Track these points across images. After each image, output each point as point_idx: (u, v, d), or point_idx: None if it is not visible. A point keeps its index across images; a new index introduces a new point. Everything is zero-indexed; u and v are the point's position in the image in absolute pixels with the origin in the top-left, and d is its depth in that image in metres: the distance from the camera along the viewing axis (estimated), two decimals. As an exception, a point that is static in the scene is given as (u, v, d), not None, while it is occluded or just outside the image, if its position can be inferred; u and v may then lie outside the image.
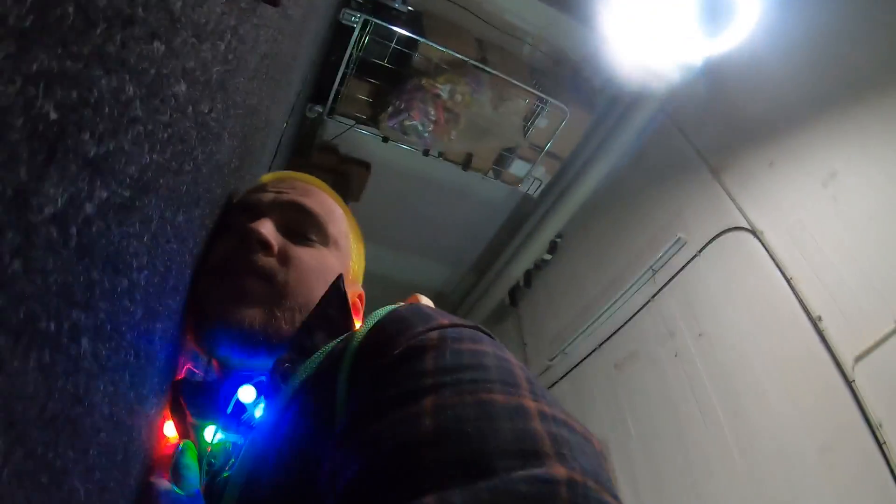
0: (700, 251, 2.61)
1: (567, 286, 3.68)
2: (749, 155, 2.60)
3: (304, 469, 0.52)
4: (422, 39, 2.97)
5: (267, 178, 0.93)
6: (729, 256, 2.49)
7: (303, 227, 0.81)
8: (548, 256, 3.87)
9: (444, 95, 3.33)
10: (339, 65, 3.04)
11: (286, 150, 2.97)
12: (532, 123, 3.25)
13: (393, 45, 3.01)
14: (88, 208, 0.33)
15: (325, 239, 0.82)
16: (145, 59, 0.36)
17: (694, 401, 2.40)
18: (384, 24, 2.89)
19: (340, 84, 3.16)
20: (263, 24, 0.79)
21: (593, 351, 3.18)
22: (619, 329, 3.03)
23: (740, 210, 2.49)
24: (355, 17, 2.82)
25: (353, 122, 3.44)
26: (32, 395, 0.30)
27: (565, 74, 3.39)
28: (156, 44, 0.37)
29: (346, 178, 3.81)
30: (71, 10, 0.25)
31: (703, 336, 2.47)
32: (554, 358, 3.47)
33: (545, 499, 0.36)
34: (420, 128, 3.48)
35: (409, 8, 3.09)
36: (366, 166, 3.85)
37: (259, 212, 0.80)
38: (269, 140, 1.66)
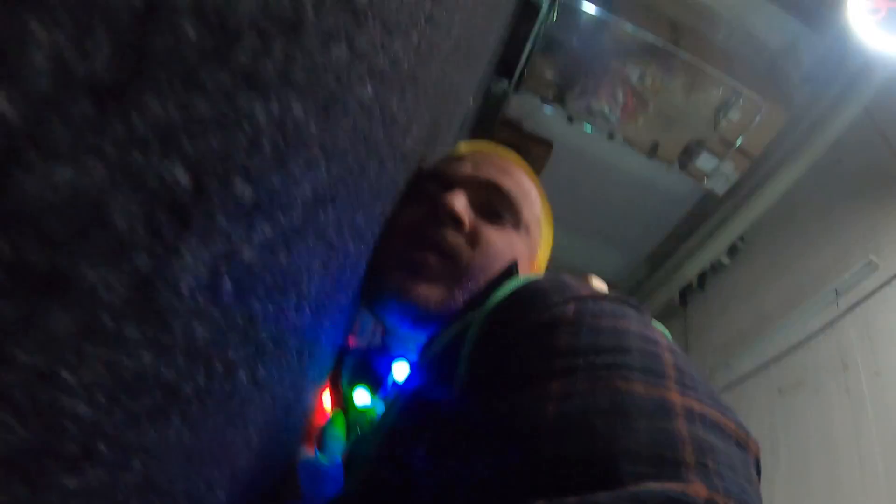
0: (891, 279, 2.28)
1: (742, 295, 3.39)
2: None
3: (424, 425, 0.50)
4: (612, 18, 2.86)
5: (465, 147, 0.90)
6: (925, 290, 2.15)
7: (497, 206, 0.76)
8: (726, 260, 3.59)
9: (634, 79, 3.20)
10: (527, 40, 3.02)
11: (468, 122, 3.02)
12: (724, 115, 3.01)
13: (582, 22, 2.93)
14: (246, 254, 0.30)
15: (517, 222, 0.78)
16: (320, 69, 0.30)
17: (856, 446, 2.13)
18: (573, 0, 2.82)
19: (527, 60, 3.15)
20: (458, 7, 0.75)
21: (758, 369, 2.93)
22: (789, 351, 2.75)
23: (946, 239, 2.13)
24: (544, -8, 2.79)
25: (539, 99, 3.42)
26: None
27: (762, 65, 3.08)
28: (334, 50, 0.31)
29: (526, 154, 3.79)
30: (189, 28, 0.18)
31: (881, 375, 2.16)
32: (716, 371, 3.24)
33: None
34: (607, 111, 3.38)
35: (600, -15, 2.99)
36: (547, 145, 3.80)
37: (453, 183, 0.76)
38: (457, 117, 1.62)
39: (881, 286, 2.32)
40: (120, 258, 0.20)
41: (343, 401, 0.74)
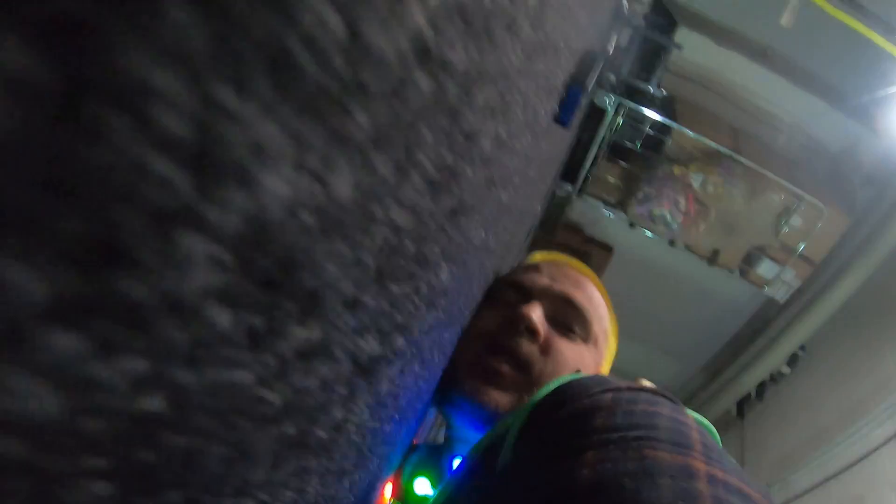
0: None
1: (801, 406, 3.28)
2: None
3: None
4: (675, 125, 3.00)
5: (540, 257, 0.94)
6: None
7: (569, 320, 0.79)
8: (786, 370, 3.50)
9: (696, 186, 3.29)
10: (592, 145, 3.16)
11: (534, 226, 3.10)
12: (786, 222, 3.06)
13: (646, 129, 3.08)
14: (384, 387, 0.37)
15: (587, 335, 0.80)
16: (464, 246, 0.39)
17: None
18: (638, 107, 2.97)
19: (591, 165, 3.27)
20: (549, 136, 0.84)
21: (817, 485, 2.80)
22: (850, 466, 2.64)
23: None
24: (610, 99, 2.96)
25: (601, 204, 3.52)
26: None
27: (823, 168, 3.15)
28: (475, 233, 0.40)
29: (587, 258, 3.85)
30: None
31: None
32: (774, 484, 3.11)
33: None
34: (669, 217, 3.46)
35: (664, 92, 3.15)
36: (608, 249, 3.87)
37: (530, 294, 0.80)
38: (528, 226, 1.72)
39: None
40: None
41: (403, 493, 0.77)
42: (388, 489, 0.77)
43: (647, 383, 0.72)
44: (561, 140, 1.51)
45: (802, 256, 3.11)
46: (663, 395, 0.51)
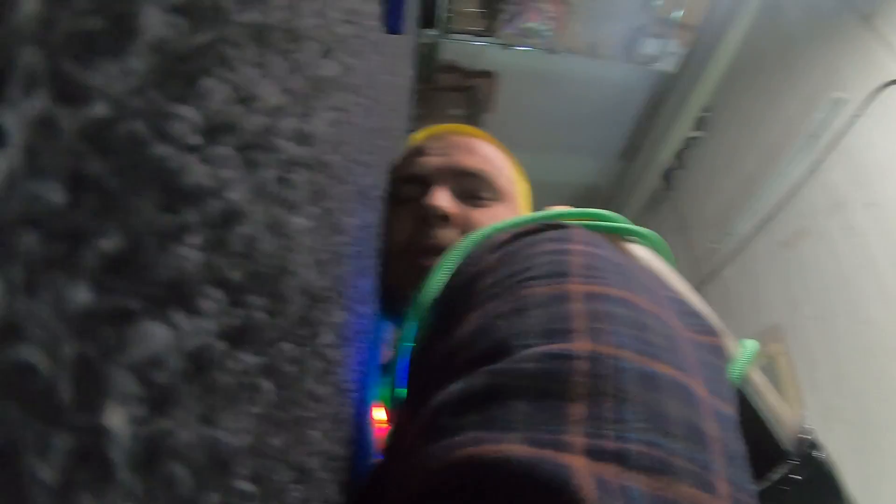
0: (862, 110, 2.30)
1: (724, 162, 3.42)
2: (906, -7, 2.19)
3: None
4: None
5: (422, 137, 0.91)
6: (895, 113, 2.17)
7: (475, 189, 0.79)
8: (698, 133, 3.61)
9: (554, -12, 3.16)
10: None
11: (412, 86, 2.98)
12: (653, -3, 2.99)
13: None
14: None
15: (496, 195, 0.80)
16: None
17: (873, 277, 2.20)
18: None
19: (447, 2, 3.10)
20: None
21: (758, 230, 2.98)
22: (782, 204, 2.81)
23: (902, 59, 2.15)
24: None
25: (470, 37, 3.38)
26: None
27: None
28: None
29: (475, 91, 3.77)
30: None
31: (875, 206, 2.22)
32: (718, 240, 3.30)
33: (555, 375, 0.33)
34: (540, 28, 3.34)
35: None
36: (491, 76, 3.77)
37: (428, 180, 0.79)
38: (404, 97, 1.64)
39: (853, 119, 2.35)
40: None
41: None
42: (377, 412, 0.79)
43: (555, 209, 0.71)
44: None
45: (681, 25, 3.07)
46: (547, 228, 0.51)
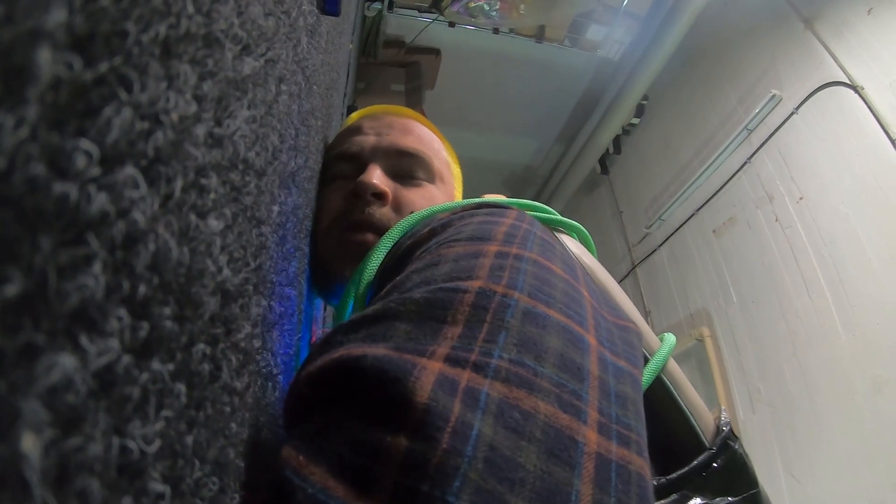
0: (797, 109, 2.42)
1: (659, 150, 3.54)
2: (844, 2, 2.32)
3: None
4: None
5: (358, 116, 0.92)
6: (828, 114, 2.29)
7: (409, 168, 0.80)
8: (636, 120, 3.70)
9: (504, -32, 3.14)
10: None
11: (353, 61, 2.90)
12: (602, -17, 3.02)
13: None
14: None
15: (431, 176, 0.82)
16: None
17: (796, 267, 2.35)
18: None
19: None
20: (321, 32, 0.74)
21: (690, 217, 3.11)
22: (715, 193, 2.93)
23: (838, 63, 2.25)
24: None
25: (415, 12, 3.33)
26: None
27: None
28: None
29: (417, 67, 3.73)
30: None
31: (804, 200, 2.36)
32: (651, 225, 3.42)
33: (440, 303, 0.35)
34: (486, 7, 3.33)
35: None
36: (435, 53, 3.74)
37: (363, 159, 0.79)
38: (342, 74, 1.60)
39: (789, 116, 2.47)
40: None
41: None
42: None
43: (492, 197, 0.75)
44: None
45: (627, 13, 3.12)
46: (479, 207, 0.54)
